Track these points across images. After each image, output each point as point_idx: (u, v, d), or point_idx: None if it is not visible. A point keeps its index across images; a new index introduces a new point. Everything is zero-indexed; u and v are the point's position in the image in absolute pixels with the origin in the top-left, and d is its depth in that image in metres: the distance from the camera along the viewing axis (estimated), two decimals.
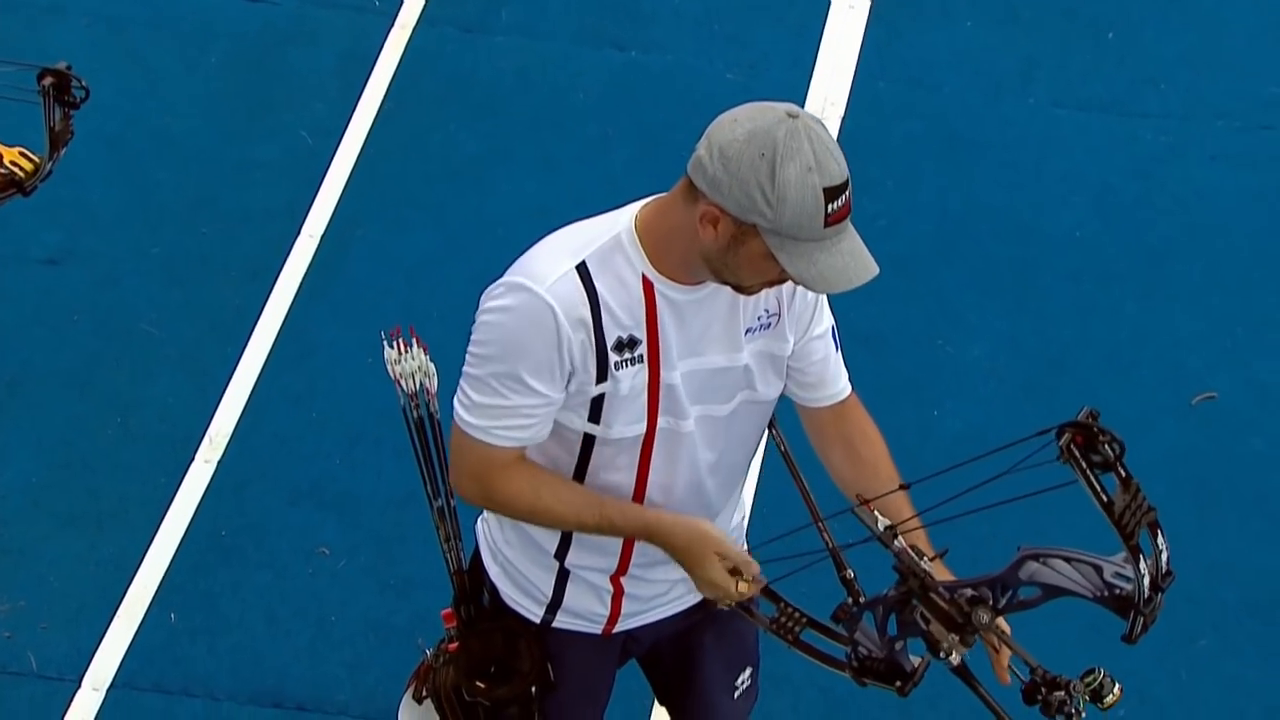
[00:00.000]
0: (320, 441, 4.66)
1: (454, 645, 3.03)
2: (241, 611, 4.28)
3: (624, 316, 2.55)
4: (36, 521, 4.46)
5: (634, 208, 2.61)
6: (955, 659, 2.49)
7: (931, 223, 5.26)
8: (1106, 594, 2.30)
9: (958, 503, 2.35)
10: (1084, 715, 2.38)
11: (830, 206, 2.37)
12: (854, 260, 2.43)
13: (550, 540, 2.82)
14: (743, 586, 2.66)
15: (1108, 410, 5.11)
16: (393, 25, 5.86)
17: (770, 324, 2.67)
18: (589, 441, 2.66)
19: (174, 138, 5.50)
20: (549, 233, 2.70)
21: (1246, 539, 4.44)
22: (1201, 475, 4.55)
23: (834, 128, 5.51)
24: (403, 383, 2.92)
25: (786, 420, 2.91)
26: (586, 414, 2.62)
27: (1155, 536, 2.26)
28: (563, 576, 2.86)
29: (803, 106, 5.48)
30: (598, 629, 2.93)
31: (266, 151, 5.48)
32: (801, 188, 2.35)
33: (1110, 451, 2.22)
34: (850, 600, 2.64)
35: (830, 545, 2.75)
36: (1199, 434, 4.70)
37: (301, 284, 5.05)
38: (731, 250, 2.44)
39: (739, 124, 2.40)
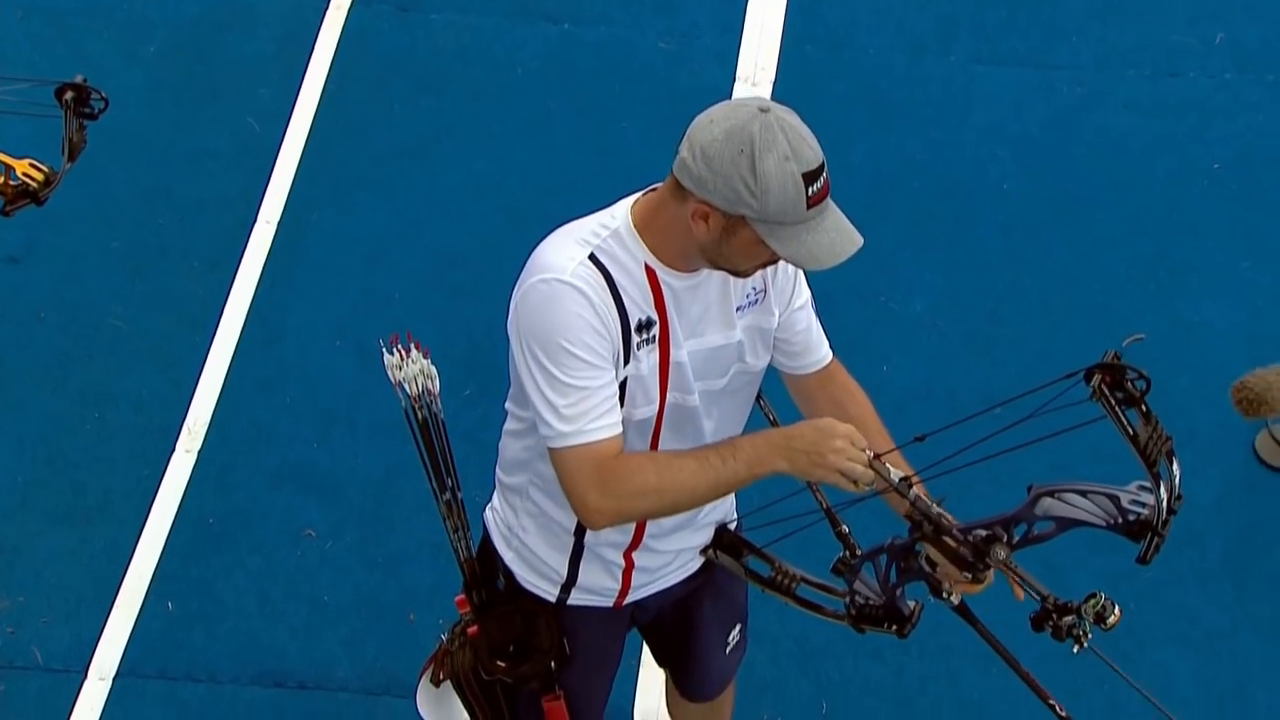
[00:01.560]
0: (296, 425, 4.81)
1: (474, 629, 3.21)
2: (236, 596, 4.44)
3: (639, 299, 2.72)
4: (26, 519, 4.60)
5: (627, 203, 2.77)
6: (955, 599, 2.73)
7: (865, 182, 5.47)
8: (1120, 521, 2.51)
9: (976, 450, 2.56)
10: (1090, 637, 2.60)
11: (810, 189, 2.55)
12: (839, 235, 2.62)
13: (570, 518, 2.96)
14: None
15: (1045, 358, 5.37)
16: (328, 6, 5.97)
17: (758, 300, 2.87)
18: None
19: (121, 130, 5.51)
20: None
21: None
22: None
23: (766, 94, 5.70)
24: (405, 386, 3.06)
25: (771, 391, 3.10)
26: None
27: (1171, 463, 2.49)
28: (577, 555, 3.03)
29: (734, 73, 5.77)
30: (609, 603, 3.13)
31: (215, 140, 5.58)
32: (782, 176, 2.53)
33: (1136, 388, 2.43)
34: (848, 553, 2.84)
35: (824, 505, 2.95)
36: None
37: (263, 271, 5.19)
38: (724, 241, 2.63)
39: (715, 124, 2.57)
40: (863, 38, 5.94)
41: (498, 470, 3.10)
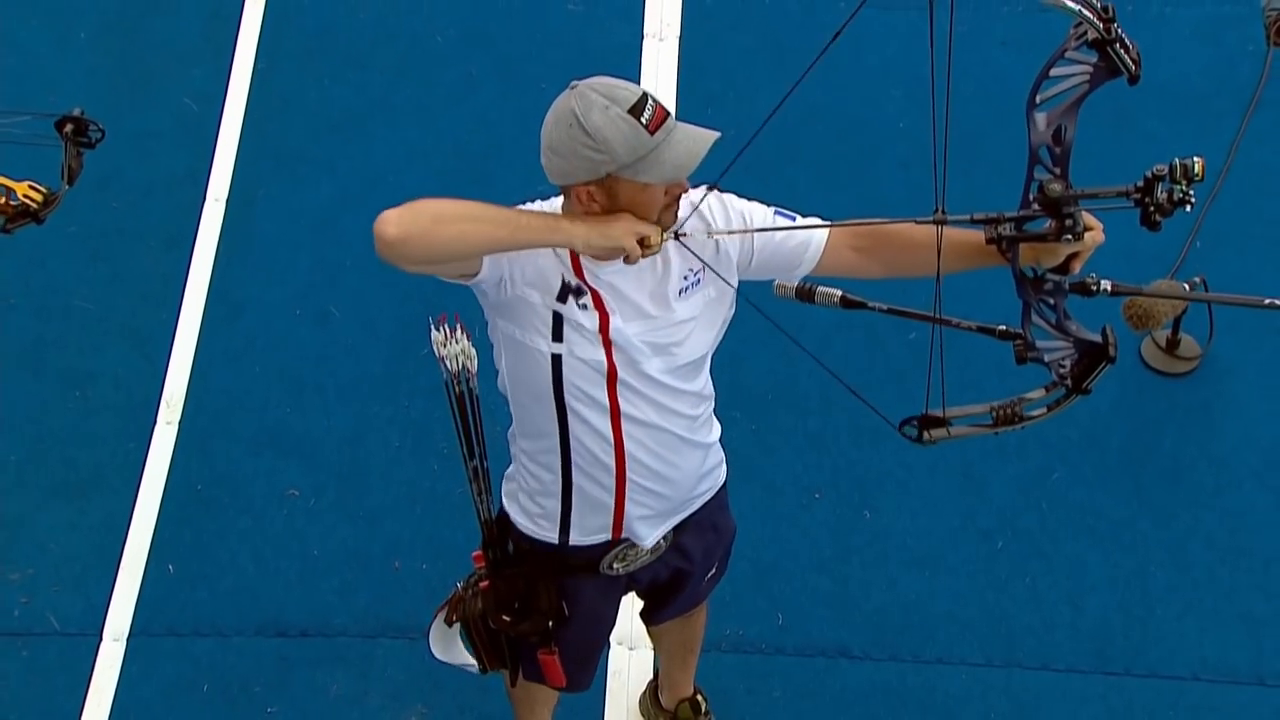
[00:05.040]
0: (268, 393, 5.15)
1: (485, 584, 3.59)
2: (231, 555, 4.79)
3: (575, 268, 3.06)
4: (24, 496, 4.91)
5: (556, 202, 3.11)
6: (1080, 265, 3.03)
7: (773, 128, 5.82)
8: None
9: None
10: (1193, 196, 2.74)
11: (643, 119, 2.90)
12: (691, 141, 2.99)
13: (553, 456, 3.28)
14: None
15: (953, 284, 5.76)
16: None
17: (699, 279, 3.18)
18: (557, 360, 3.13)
19: None
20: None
21: None
22: None
23: (673, 49, 6.06)
24: (447, 362, 3.34)
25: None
26: (550, 334, 3.09)
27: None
28: (567, 492, 3.34)
29: (641, 31, 6.10)
30: (606, 536, 3.44)
31: (156, 122, 5.85)
32: (610, 123, 2.89)
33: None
34: (1015, 339, 2.97)
35: (971, 325, 3.16)
36: None
37: (218, 247, 5.49)
38: (615, 204, 2.96)
39: (547, 124, 2.96)
40: None
41: None
